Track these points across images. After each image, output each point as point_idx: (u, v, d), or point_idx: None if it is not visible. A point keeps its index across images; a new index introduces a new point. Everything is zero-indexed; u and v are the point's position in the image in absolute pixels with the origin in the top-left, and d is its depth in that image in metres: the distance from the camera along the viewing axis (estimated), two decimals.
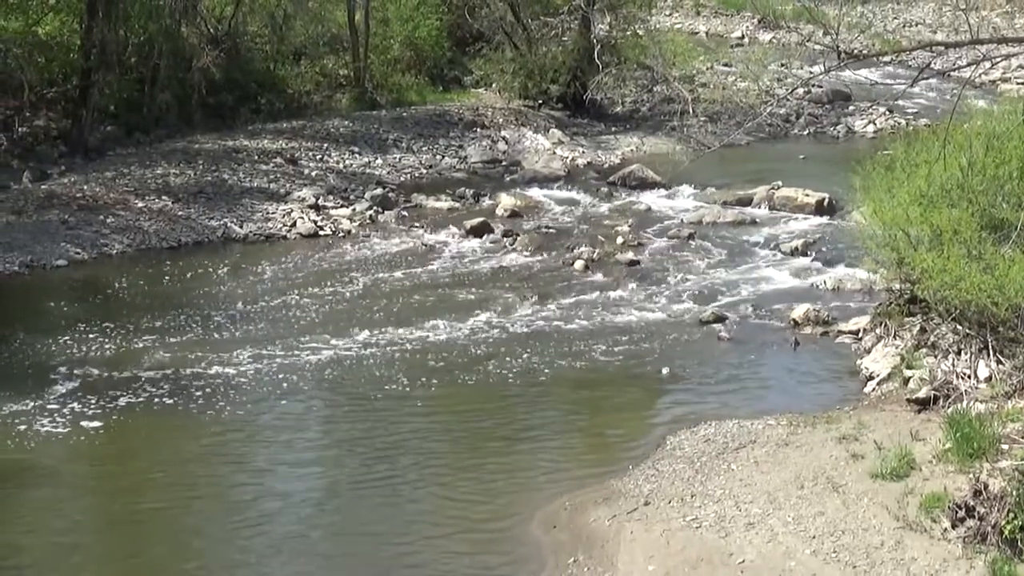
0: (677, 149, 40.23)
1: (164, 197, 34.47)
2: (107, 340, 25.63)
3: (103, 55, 38.49)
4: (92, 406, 22.52)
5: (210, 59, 41.14)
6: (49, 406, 22.41)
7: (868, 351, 24.77)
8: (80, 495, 20.40)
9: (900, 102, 47.59)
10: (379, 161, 40.07)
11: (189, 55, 41.53)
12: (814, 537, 17.35)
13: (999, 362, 21.65)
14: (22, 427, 21.66)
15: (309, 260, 31.29)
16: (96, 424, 21.94)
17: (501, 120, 44.61)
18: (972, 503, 16.80)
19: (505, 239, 32.89)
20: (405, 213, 35.31)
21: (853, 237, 27.73)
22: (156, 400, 22.85)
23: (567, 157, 41.74)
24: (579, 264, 30.84)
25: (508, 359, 24.99)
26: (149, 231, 32.44)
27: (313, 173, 38.02)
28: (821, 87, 49.12)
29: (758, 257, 31.73)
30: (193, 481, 20.32)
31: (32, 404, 22.44)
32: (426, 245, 32.56)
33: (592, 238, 32.94)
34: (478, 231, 33.25)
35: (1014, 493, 16.38)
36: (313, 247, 32.42)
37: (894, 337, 24.40)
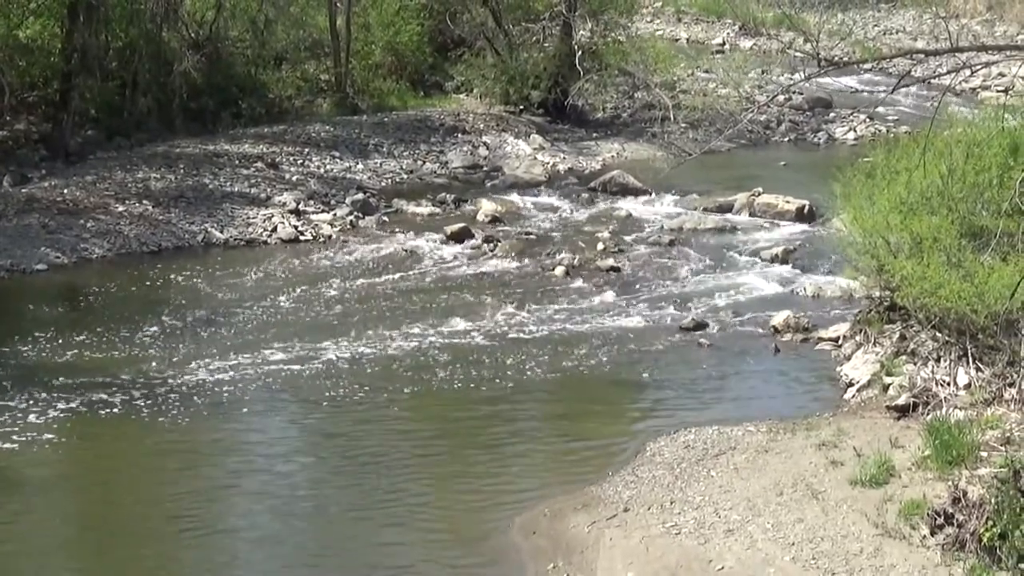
0: (658, 155, 40.38)
1: (145, 201, 34.38)
2: (86, 345, 25.55)
3: (84, 59, 38.40)
4: (70, 411, 22.41)
5: (191, 63, 41.09)
6: (26, 410, 22.28)
7: (848, 358, 24.82)
8: (56, 501, 20.25)
9: (881, 109, 47.75)
10: (360, 166, 40.06)
11: (170, 59, 41.48)
12: (793, 544, 17.37)
13: (978, 369, 21.69)
14: None
15: (289, 265, 31.26)
16: (74, 430, 21.84)
17: (482, 126, 44.63)
18: (951, 510, 16.82)
19: (486, 245, 32.87)
20: (386, 218, 35.29)
21: (833, 244, 27.81)
22: (135, 406, 22.75)
23: (548, 163, 41.76)
24: (559, 270, 30.84)
25: (487, 365, 24.98)
26: (129, 235, 32.36)
27: (294, 178, 37.98)
28: (802, 94, 49.26)
29: (739, 264, 31.75)
30: (171, 488, 20.24)
31: (8, 409, 22.34)
32: (406, 250, 32.52)
33: (573, 244, 32.97)
34: (459, 236, 33.23)
35: (993, 500, 16.40)
36: (293, 252, 32.39)
37: (874, 344, 24.45)
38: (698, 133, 42.90)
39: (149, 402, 22.91)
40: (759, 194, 36.58)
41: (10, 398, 22.75)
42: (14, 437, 21.39)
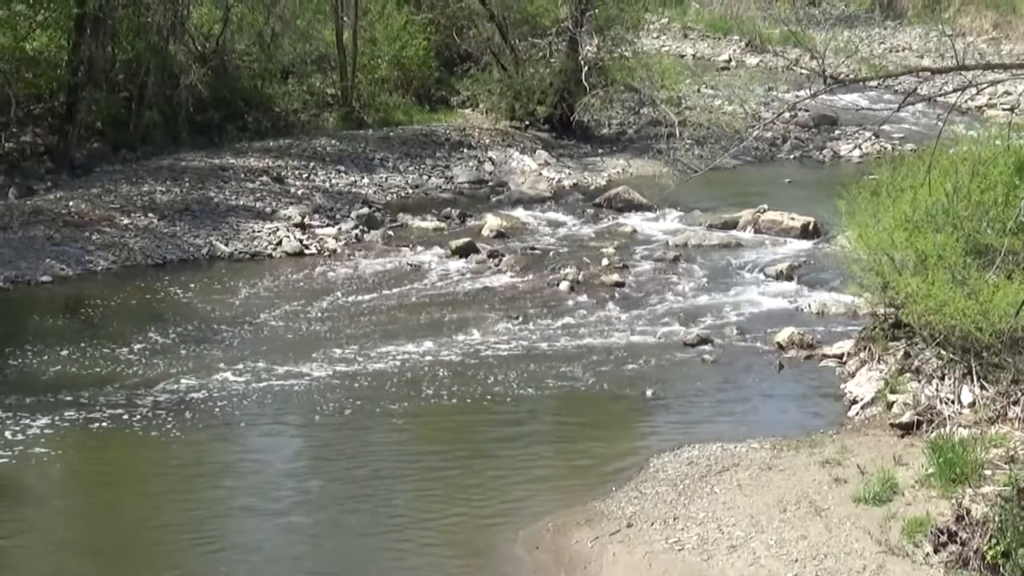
0: (663, 172, 40.24)
1: (150, 214, 34.41)
2: (89, 357, 25.55)
3: (91, 71, 38.48)
4: (71, 424, 22.43)
5: (198, 77, 41.13)
6: (27, 423, 22.28)
7: (852, 375, 24.80)
8: (55, 514, 20.26)
9: (886, 127, 47.66)
10: (365, 180, 40.08)
11: (177, 72, 41.51)
12: (796, 561, 17.35)
13: (983, 387, 21.69)
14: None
15: (294, 279, 31.27)
16: (75, 442, 21.88)
17: (488, 141, 44.67)
18: (954, 528, 16.82)
19: (490, 260, 32.87)
20: (391, 233, 35.28)
21: (838, 261, 27.78)
22: (137, 419, 22.75)
23: (553, 178, 41.78)
24: (564, 285, 30.83)
25: (491, 380, 24.97)
26: (134, 248, 32.37)
27: (299, 192, 38.00)
28: (807, 111, 49.26)
29: (743, 280, 31.75)
30: (170, 502, 20.24)
31: (9, 420, 22.33)
32: (411, 265, 32.53)
33: (578, 260, 32.95)
34: (463, 251, 33.24)
35: (996, 519, 16.39)
36: (298, 266, 32.40)
37: (878, 361, 24.43)
38: (704, 150, 42.72)
39: (152, 416, 22.90)
40: (764, 211, 36.61)
41: (11, 410, 22.72)
42: (14, 449, 21.40)
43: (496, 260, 32.82)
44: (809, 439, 21.70)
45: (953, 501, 17.60)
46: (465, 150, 43.77)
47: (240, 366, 25.24)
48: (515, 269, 32.21)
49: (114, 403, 23.33)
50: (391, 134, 44.31)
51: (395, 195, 39.60)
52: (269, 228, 34.60)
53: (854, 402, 23.56)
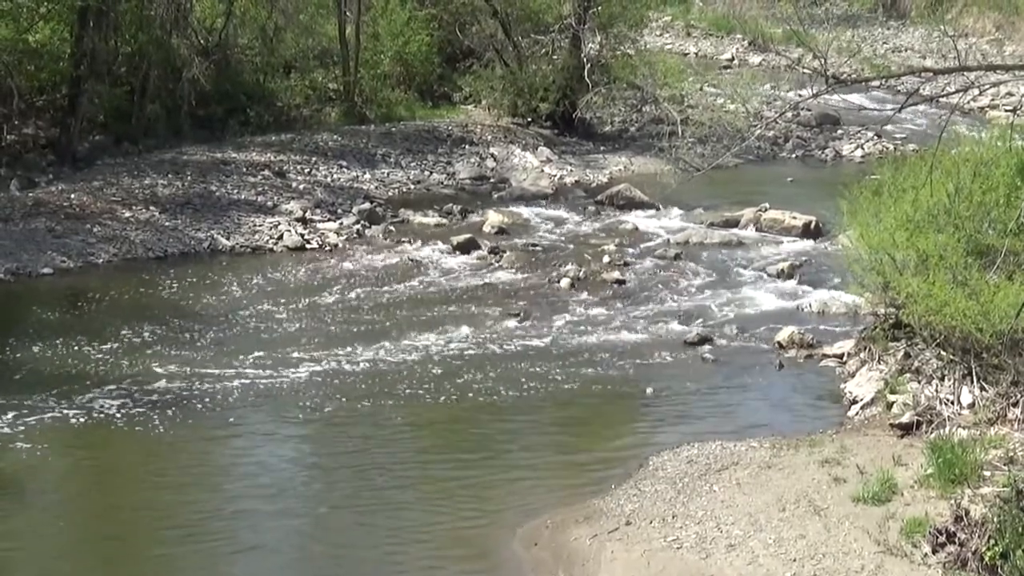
0: (665, 170, 40.28)
1: (151, 207, 34.40)
2: (90, 350, 25.53)
3: (93, 64, 38.43)
4: (71, 417, 22.43)
5: (200, 70, 41.11)
6: (28, 415, 22.29)
7: (852, 375, 24.80)
8: (54, 510, 20.16)
9: (888, 127, 47.70)
10: (367, 176, 40.06)
11: (179, 66, 41.50)
12: (795, 560, 17.35)
13: (982, 388, 21.70)
14: None
15: (295, 273, 31.26)
16: (75, 436, 21.88)
17: (490, 137, 44.62)
18: (953, 529, 16.82)
19: (491, 256, 32.87)
20: (392, 228, 35.26)
21: (839, 261, 27.80)
22: (136, 413, 22.73)
23: (555, 175, 41.76)
24: (565, 282, 30.83)
25: (491, 377, 24.96)
26: (136, 241, 32.37)
27: (301, 186, 37.99)
28: (810, 111, 49.19)
29: (744, 279, 31.72)
30: (170, 498, 20.21)
31: (8, 413, 22.30)
32: (412, 260, 32.52)
33: (579, 257, 32.96)
34: (465, 247, 33.22)
35: (995, 519, 16.39)
36: (299, 260, 32.37)
37: (878, 362, 24.43)
38: (705, 148, 42.74)
39: (150, 409, 22.89)
40: (766, 209, 36.60)
41: (10, 402, 22.69)
42: (13, 442, 21.38)
43: (497, 256, 32.82)
44: (809, 438, 21.71)
45: (952, 502, 17.60)
46: (467, 146, 43.75)
47: (238, 361, 25.21)
48: (516, 266, 32.21)
49: (116, 397, 23.32)
50: (393, 129, 44.29)
51: (397, 190, 39.60)
52: (270, 222, 34.59)
53: (854, 402, 23.57)
